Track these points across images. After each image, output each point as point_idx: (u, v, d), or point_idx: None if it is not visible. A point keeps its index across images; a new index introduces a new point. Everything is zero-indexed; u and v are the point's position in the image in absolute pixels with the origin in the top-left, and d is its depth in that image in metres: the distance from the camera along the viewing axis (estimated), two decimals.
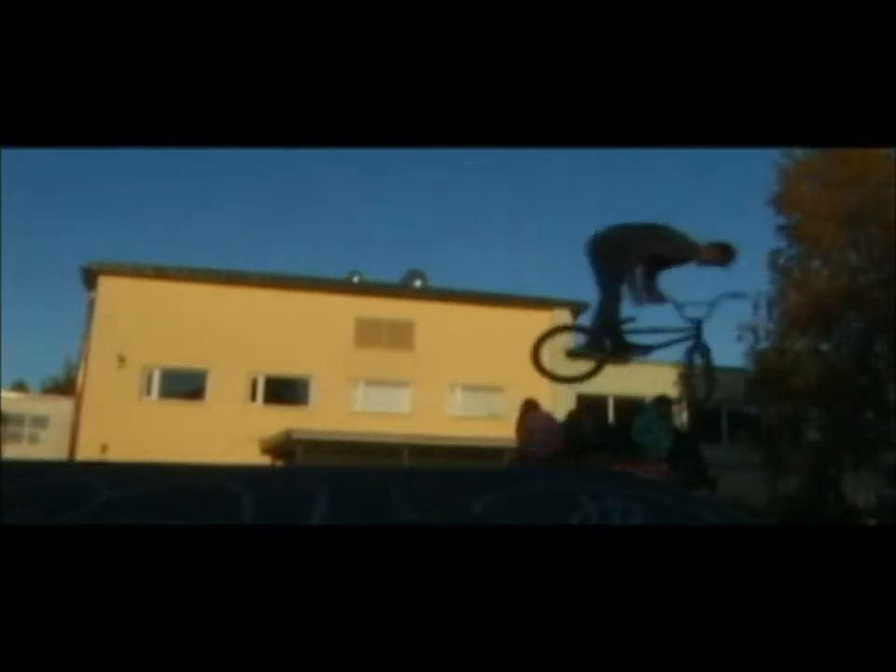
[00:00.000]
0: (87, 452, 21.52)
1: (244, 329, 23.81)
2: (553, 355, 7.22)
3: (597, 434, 10.87)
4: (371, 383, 24.81)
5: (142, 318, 23.38)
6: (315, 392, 24.77)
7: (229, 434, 20.83)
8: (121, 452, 19.41)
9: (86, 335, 24.55)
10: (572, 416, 10.72)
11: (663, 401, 10.45)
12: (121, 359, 23.22)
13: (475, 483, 6.45)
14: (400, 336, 25.40)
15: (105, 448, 21.11)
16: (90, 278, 24.91)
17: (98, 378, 23.28)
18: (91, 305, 24.67)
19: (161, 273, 24.69)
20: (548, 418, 10.17)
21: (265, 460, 19.39)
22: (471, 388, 25.05)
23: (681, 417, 23.04)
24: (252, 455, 17.61)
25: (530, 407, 10.06)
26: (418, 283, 28.83)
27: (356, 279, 28.52)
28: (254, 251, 66.54)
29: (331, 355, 24.43)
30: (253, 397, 24.50)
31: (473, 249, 69.56)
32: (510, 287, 44.54)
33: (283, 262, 68.96)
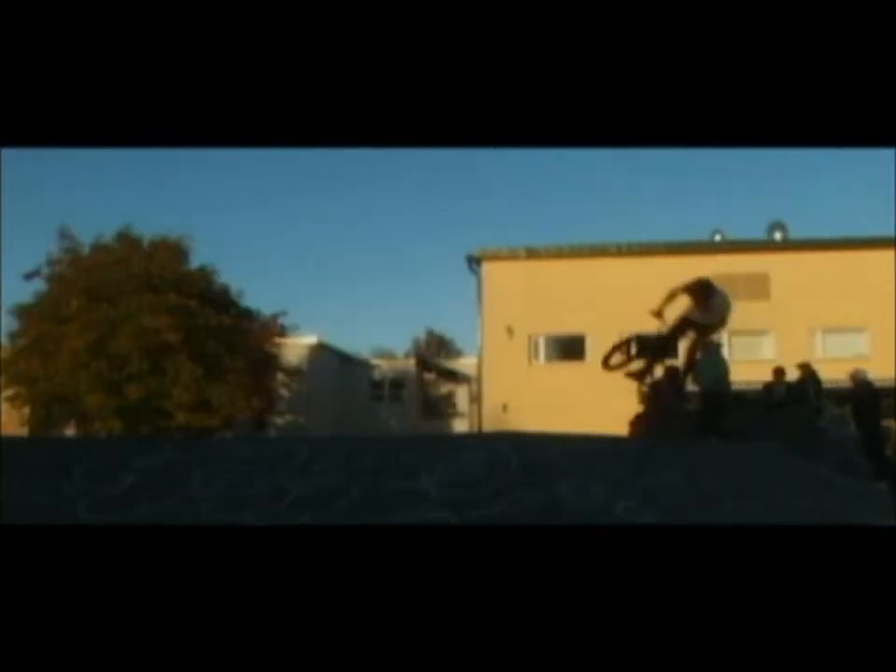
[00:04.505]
0: (491, 410, 25.74)
1: (613, 296, 26.38)
2: None
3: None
4: (733, 333, 26.14)
5: (522, 294, 26.92)
6: (683, 345, 26.59)
7: (608, 388, 23.65)
8: (519, 409, 23.30)
9: (479, 312, 28.72)
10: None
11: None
12: (510, 330, 27.10)
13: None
14: (756, 288, 26.43)
15: (505, 407, 25.11)
16: (474, 264, 29.03)
17: (492, 348, 27.36)
18: (479, 286, 28.76)
19: (531, 254, 28.00)
20: (675, 382, 11.60)
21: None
22: (833, 331, 25.45)
23: None
24: (628, 404, 19.91)
25: (668, 372, 11.63)
26: (778, 235, 29.29)
27: (717, 237, 29.69)
28: (614, 224, 69.53)
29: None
30: (628, 354, 27.13)
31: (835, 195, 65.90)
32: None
33: (646, 231, 71.34)
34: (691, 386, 11.78)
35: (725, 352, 21.37)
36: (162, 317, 22.50)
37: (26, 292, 25.47)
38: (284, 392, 29.01)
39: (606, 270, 26.99)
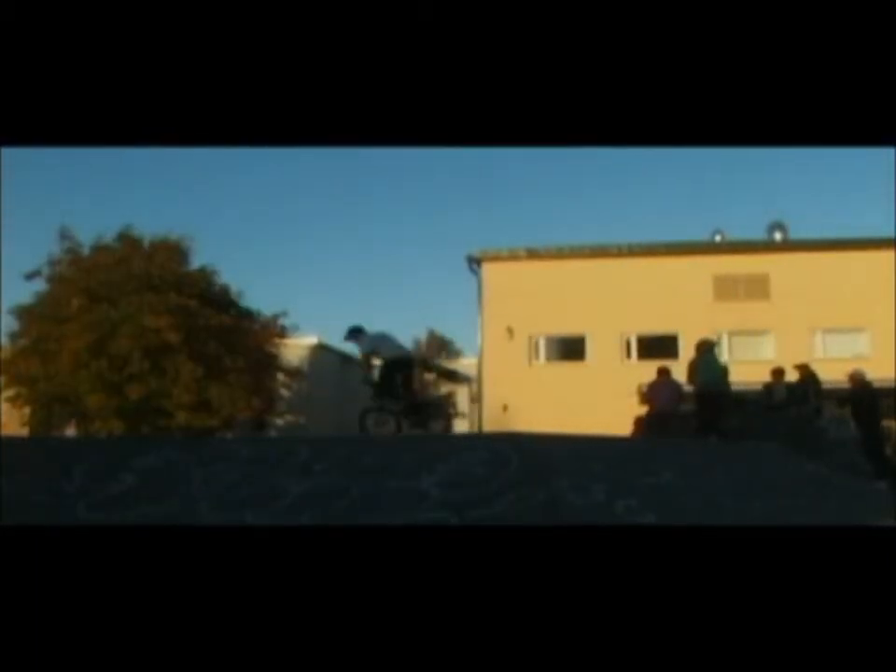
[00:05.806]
0: (491, 410, 25.79)
1: (613, 296, 26.53)
2: None
3: None
4: (733, 333, 26.23)
5: (522, 295, 26.99)
6: (683, 345, 26.69)
7: (608, 389, 23.73)
8: (519, 409, 23.34)
9: (479, 312, 28.75)
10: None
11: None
12: (510, 331, 27.10)
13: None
14: (756, 288, 26.52)
15: (505, 407, 25.12)
16: (474, 264, 29.06)
17: (492, 348, 27.40)
18: (479, 287, 28.81)
19: (532, 255, 28.07)
20: (671, 383, 11.93)
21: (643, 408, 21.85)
22: (833, 331, 25.54)
23: None
24: (627, 405, 19.98)
25: (660, 373, 11.95)
26: (778, 235, 29.38)
27: (717, 237, 29.79)
28: (614, 224, 69.75)
29: (693, 311, 26.23)
30: (628, 354, 27.23)
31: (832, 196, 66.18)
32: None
33: (646, 231, 71.71)
34: (688, 387, 11.81)
35: (724, 352, 21.53)
36: (163, 317, 22.52)
37: (27, 292, 25.52)
38: (284, 392, 29.01)
39: (606, 270, 27.06)
